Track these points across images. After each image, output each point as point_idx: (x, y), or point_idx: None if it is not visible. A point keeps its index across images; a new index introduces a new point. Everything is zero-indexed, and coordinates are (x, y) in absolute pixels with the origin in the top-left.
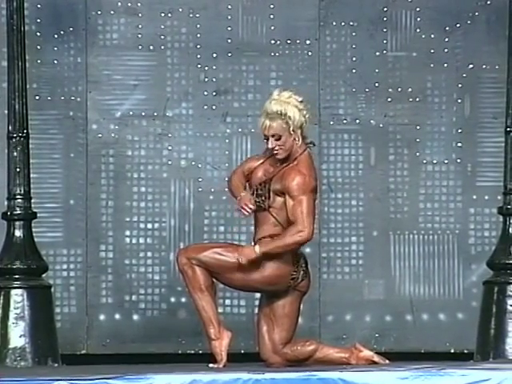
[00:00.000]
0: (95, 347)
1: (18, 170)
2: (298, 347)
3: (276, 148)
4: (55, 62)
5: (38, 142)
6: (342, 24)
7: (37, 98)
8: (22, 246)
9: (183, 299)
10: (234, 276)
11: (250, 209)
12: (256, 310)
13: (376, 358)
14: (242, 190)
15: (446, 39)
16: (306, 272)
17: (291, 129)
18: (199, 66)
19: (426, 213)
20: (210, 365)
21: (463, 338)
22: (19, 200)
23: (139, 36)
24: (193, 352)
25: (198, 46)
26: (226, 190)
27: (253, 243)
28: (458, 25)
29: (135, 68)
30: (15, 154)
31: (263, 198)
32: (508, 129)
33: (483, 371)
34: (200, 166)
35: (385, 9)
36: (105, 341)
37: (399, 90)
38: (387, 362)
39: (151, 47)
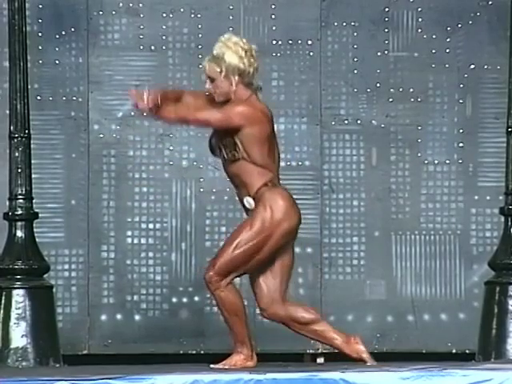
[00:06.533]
0: (97, 347)
1: (19, 170)
2: (301, 309)
3: (211, 90)
4: (57, 62)
5: (40, 142)
6: (344, 24)
7: (38, 98)
8: (23, 247)
9: (185, 299)
10: (263, 252)
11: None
12: (257, 311)
13: (365, 356)
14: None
15: (448, 39)
16: None
17: (223, 74)
18: (201, 66)
19: (427, 213)
20: (212, 365)
21: (465, 339)
22: (21, 200)
23: (141, 36)
24: (194, 352)
25: (200, 47)
26: (228, 189)
27: (247, 201)
28: (459, 25)
29: (137, 68)
30: (17, 154)
31: (236, 149)
32: (510, 129)
33: (485, 371)
34: (201, 166)
35: (386, 9)
36: (106, 341)
37: (401, 90)
38: (375, 363)
39: (153, 47)
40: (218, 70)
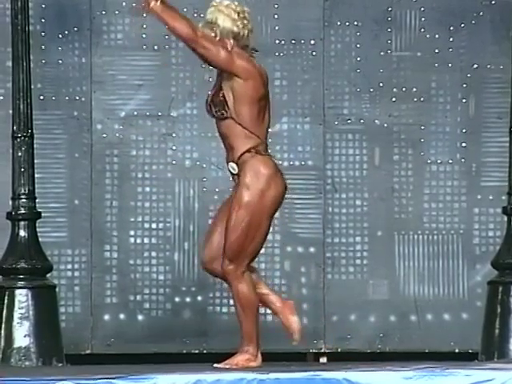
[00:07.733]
0: (100, 347)
1: (22, 169)
2: None
3: None
4: (60, 62)
5: (43, 141)
6: (347, 24)
7: (41, 97)
8: (26, 246)
9: (187, 299)
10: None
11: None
12: (261, 310)
13: (294, 333)
14: None
15: (451, 39)
16: None
17: (218, 38)
18: (203, 65)
19: (430, 213)
20: (215, 365)
21: (468, 338)
22: (24, 200)
23: (144, 36)
24: (197, 352)
25: None
26: (231, 189)
27: (231, 167)
28: (462, 25)
29: (140, 68)
30: (20, 153)
31: (225, 108)
32: None
33: (487, 371)
34: (204, 165)
35: (389, 9)
36: (109, 341)
37: (404, 89)
38: (299, 340)
39: (155, 47)
40: (213, 34)
